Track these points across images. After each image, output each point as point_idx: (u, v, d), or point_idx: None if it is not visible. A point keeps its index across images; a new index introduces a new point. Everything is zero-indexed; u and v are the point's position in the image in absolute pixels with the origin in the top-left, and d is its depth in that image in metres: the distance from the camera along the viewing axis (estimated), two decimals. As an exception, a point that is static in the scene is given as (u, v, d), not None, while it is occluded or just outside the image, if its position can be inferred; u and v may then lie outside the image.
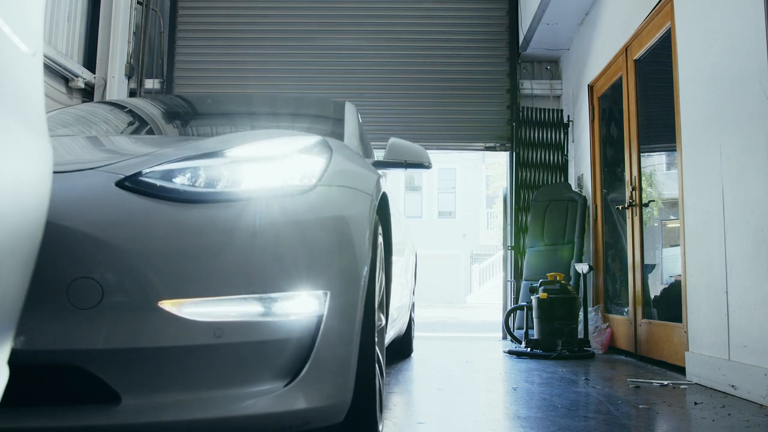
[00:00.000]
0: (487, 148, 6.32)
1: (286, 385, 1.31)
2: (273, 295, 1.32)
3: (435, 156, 3.99)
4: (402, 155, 2.61)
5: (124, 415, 1.20)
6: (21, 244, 0.79)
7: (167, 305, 1.23)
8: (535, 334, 4.74)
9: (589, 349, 4.70)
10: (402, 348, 4.41)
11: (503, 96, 6.29)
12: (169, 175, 1.37)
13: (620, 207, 4.75)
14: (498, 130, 6.26)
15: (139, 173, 1.35)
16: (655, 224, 4.74)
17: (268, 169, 1.47)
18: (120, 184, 1.32)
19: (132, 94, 6.24)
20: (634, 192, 4.52)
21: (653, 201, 4.60)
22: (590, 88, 5.60)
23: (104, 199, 1.29)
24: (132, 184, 1.33)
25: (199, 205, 1.33)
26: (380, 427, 1.81)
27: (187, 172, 1.39)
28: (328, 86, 6.24)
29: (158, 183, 1.34)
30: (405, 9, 6.45)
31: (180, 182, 1.36)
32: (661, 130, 4.48)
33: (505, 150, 6.29)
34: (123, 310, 1.21)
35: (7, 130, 0.75)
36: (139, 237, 1.25)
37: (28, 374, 1.16)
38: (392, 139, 2.66)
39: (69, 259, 1.19)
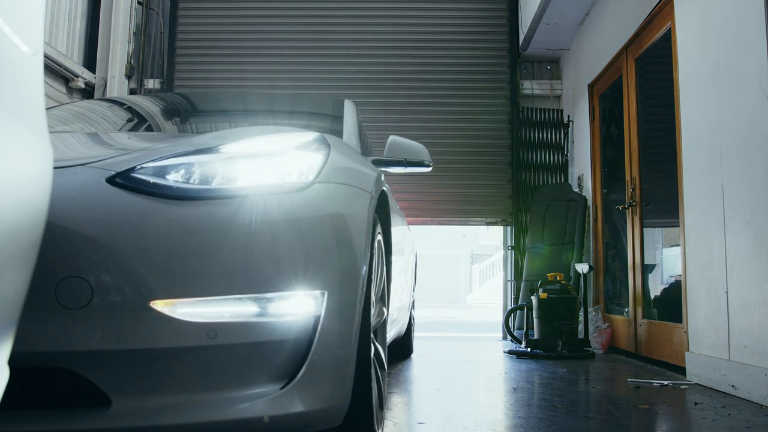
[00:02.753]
0: (488, 223, 6.31)
1: (282, 388, 1.28)
2: (269, 295, 1.28)
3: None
4: (402, 153, 2.57)
5: (114, 418, 1.17)
6: (21, 243, 0.79)
7: (159, 305, 1.20)
8: (535, 334, 4.74)
9: (589, 349, 4.70)
10: (402, 348, 4.40)
11: (505, 119, 6.27)
12: (162, 172, 1.33)
13: (620, 207, 4.75)
14: (499, 205, 6.19)
15: (132, 169, 1.32)
16: (656, 224, 4.74)
17: (264, 165, 1.43)
18: (111, 180, 1.28)
19: (132, 94, 6.23)
20: (633, 192, 4.52)
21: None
22: (590, 88, 5.60)
23: (95, 195, 1.25)
24: (124, 180, 1.29)
25: (193, 202, 1.29)
26: (380, 429, 1.80)
27: (181, 169, 1.35)
28: (327, 87, 6.23)
29: (151, 180, 1.30)
30: (404, 9, 6.44)
31: (173, 179, 1.33)
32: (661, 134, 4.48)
33: (506, 225, 6.27)
34: (113, 311, 1.17)
35: (7, 130, 0.74)
36: (130, 235, 1.21)
37: (14, 377, 1.14)
38: (392, 137, 2.62)
39: (57, 257, 1.16)
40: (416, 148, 2.62)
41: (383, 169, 2.56)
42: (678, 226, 3.68)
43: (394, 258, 2.44)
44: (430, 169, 2.65)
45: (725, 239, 3.05)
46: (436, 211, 6.19)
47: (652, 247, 4.57)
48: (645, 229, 4.47)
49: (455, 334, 7.62)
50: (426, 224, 6.26)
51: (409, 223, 4.22)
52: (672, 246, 4.26)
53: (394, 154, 2.56)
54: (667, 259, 4.41)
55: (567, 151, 6.17)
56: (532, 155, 6.20)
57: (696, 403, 2.70)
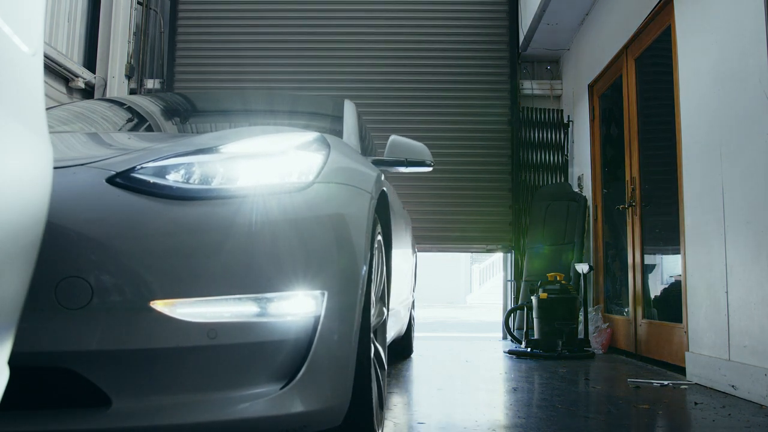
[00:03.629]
0: (489, 250, 6.29)
1: (282, 388, 1.28)
2: (269, 295, 1.28)
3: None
4: (403, 153, 2.55)
5: (114, 418, 1.17)
6: (21, 243, 0.79)
7: (159, 305, 1.20)
8: (535, 334, 4.74)
9: (589, 349, 4.70)
10: (402, 348, 4.40)
11: (505, 121, 6.28)
12: (162, 172, 1.33)
13: (620, 207, 4.75)
14: (500, 232, 6.13)
15: (132, 169, 1.32)
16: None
17: (264, 165, 1.43)
18: (111, 180, 1.28)
19: (132, 94, 6.23)
20: (633, 192, 4.52)
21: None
22: (590, 88, 5.60)
23: (95, 195, 1.25)
24: (124, 180, 1.29)
25: (193, 202, 1.29)
26: (380, 429, 1.80)
27: (181, 169, 1.35)
28: (326, 87, 6.23)
29: (151, 179, 1.31)
30: (404, 10, 6.44)
31: (173, 179, 1.33)
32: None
33: (506, 251, 6.25)
34: (114, 311, 1.17)
35: (7, 130, 0.74)
36: (130, 235, 1.21)
37: (14, 377, 1.13)
38: (392, 137, 2.61)
39: (58, 257, 1.16)
40: (417, 147, 2.60)
41: (385, 168, 2.55)
42: (678, 227, 3.68)
43: (395, 258, 2.44)
44: (431, 168, 2.63)
45: (725, 239, 3.05)
46: (438, 238, 6.15)
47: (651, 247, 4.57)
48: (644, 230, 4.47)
49: (455, 334, 7.62)
50: (428, 251, 6.22)
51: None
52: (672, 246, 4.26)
53: (395, 153, 2.55)
54: (667, 259, 4.41)
55: (567, 151, 6.17)
56: (532, 155, 6.20)
57: (696, 403, 2.70)
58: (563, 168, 6.18)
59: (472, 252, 6.51)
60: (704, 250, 3.28)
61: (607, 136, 5.41)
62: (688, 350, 3.44)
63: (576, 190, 5.85)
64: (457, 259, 24.64)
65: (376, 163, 2.50)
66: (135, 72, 6.26)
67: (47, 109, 2.63)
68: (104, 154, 1.43)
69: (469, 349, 5.15)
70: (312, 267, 1.36)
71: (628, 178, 4.64)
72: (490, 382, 3.37)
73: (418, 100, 6.29)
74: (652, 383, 3.23)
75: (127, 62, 6.18)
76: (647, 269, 4.43)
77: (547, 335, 4.62)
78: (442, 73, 6.32)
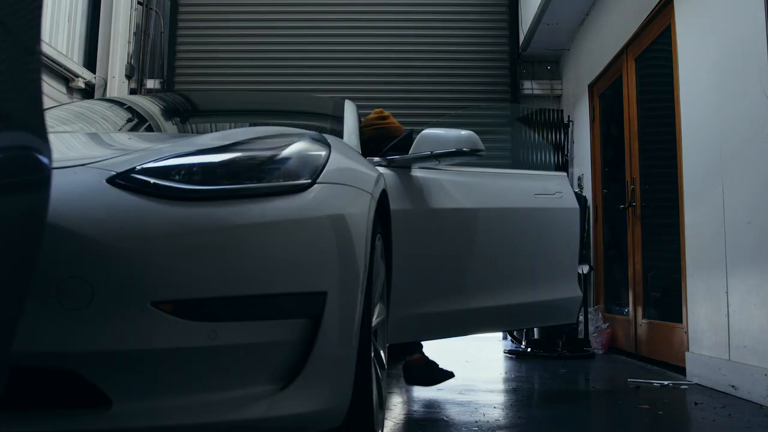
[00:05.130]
0: None
1: (282, 389, 1.28)
2: (269, 295, 1.28)
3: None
4: (429, 146, 2.31)
5: (115, 419, 1.17)
6: (22, 244, 0.79)
7: (160, 306, 1.20)
8: (535, 334, 4.74)
9: (589, 349, 4.70)
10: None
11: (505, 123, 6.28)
12: (162, 172, 1.33)
13: (620, 207, 4.75)
14: None
15: (132, 170, 1.31)
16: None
17: (264, 165, 1.43)
18: (112, 180, 1.28)
19: (132, 94, 6.23)
20: (633, 192, 4.52)
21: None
22: (590, 88, 5.60)
23: (95, 196, 1.25)
24: (124, 180, 1.28)
25: (194, 202, 1.29)
26: (380, 430, 1.80)
27: (182, 169, 1.35)
28: (326, 87, 6.23)
29: (151, 180, 1.30)
30: (404, 10, 6.45)
31: (174, 179, 1.32)
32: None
33: None
34: (114, 311, 1.17)
35: (7, 130, 0.74)
36: (131, 235, 1.21)
37: (14, 377, 1.12)
38: (423, 131, 2.39)
39: (58, 258, 1.16)
40: (451, 138, 2.33)
41: (421, 166, 2.42)
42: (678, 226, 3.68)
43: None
44: (476, 155, 2.34)
45: (725, 239, 3.05)
46: None
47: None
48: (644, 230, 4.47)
49: (455, 334, 7.61)
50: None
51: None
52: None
53: (420, 148, 2.35)
54: (667, 259, 4.41)
55: (567, 151, 6.17)
56: (532, 155, 6.20)
57: (696, 403, 2.70)
58: (563, 168, 6.18)
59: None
60: (704, 250, 3.28)
61: (607, 136, 5.41)
62: (688, 350, 3.44)
63: (576, 190, 5.85)
64: (457, 259, 24.61)
65: (394, 162, 2.39)
66: (135, 72, 6.26)
67: (47, 109, 2.62)
68: (104, 155, 1.42)
69: (469, 349, 5.15)
70: (312, 267, 1.35)
71: (628, 178, 4.64)
72: (490, 382, 3.37)
73: (418, 99, 6.28)
74: (652, 383, 3.23)
75: (127, 62, 6.18)
76: (647, 269, 4.43)
77: (547, 335, 4.62)
78: (443, 74, 6.32)
